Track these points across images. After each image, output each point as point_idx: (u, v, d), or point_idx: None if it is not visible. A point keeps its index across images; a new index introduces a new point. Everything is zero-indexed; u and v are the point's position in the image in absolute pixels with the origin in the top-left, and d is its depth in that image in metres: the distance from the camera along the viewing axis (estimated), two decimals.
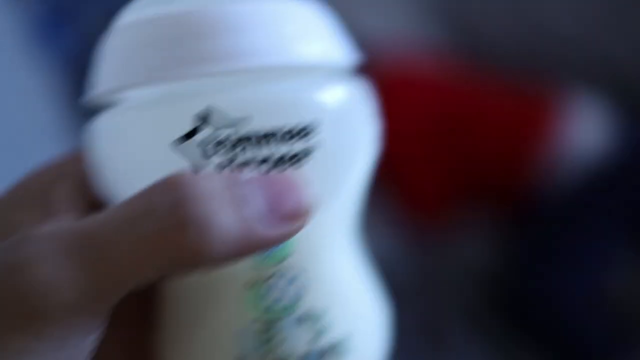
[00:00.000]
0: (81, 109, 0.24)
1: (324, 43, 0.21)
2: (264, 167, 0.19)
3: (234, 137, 0.19)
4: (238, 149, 0.19)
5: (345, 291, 0.22)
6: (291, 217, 0.19)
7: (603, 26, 1.01)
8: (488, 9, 1.00)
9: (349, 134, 0.21)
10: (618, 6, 0.99)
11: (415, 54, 0.91)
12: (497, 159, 0.86)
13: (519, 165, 0.85)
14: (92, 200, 0.21)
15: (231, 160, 0.19)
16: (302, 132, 0.20)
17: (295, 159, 0.20)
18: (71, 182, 0.21)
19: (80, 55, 0.69)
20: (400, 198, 0.85)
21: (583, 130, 0.85)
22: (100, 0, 0.65)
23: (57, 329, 0.17)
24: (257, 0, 0.20)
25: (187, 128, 0.19)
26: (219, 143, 0.19)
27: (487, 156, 0.86)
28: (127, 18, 0.21)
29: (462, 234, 0.86)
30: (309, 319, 0.21)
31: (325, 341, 0.21)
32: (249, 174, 0.19)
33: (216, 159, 0.19)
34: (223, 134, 0.19)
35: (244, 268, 0.20)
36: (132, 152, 0.20)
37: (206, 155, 0.19)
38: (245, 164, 0.19)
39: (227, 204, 0.18)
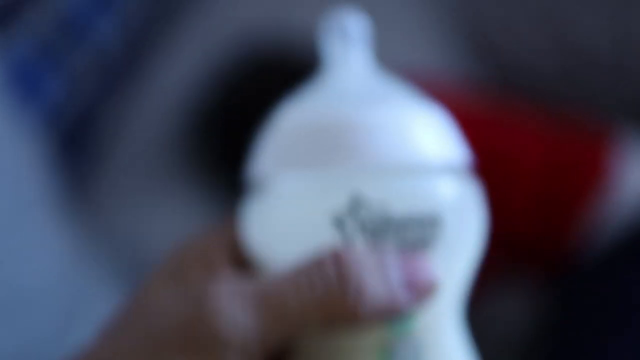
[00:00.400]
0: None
1: (447, 144, 0.26)
2: (400, 247, 0.24)
3: (376, 220, 0.24)
4: (379, 230, 0.24)
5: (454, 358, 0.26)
6: (423, 289, 0.24)
7: None
8: (518, 32, 0.93)
9: (465, 225, 0.26)
10: None
11: (444, 86, 0.82)
12: (538, 207, 0.75)
13: (565, 216, 0.74)
14: (241, 260, 0.26)
15: (374, 239, 0.24)
16: (430, 221, 0.24)
17: (424, 242, 0.24)
18: (225, 244, 0.26)
19: (65, 103, 0.64)
20: None
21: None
22: (85, 43, 0.65)
23: None
24: (391, 106, 0.25)
25: (340, 210, 0.24)
26: (364, 223, 0.24)
27: (525, 204, 0.75)
28: (290, 114, 0.26)
29: (493, 295, 0.76)
30: None
31: None
32: (390, 252, 0.24)
33: (362, 237, 0.24)
34: (368, 216, 0.24)
35: (378, 334, 0.24)
36: (290, 224, 0.25)
37: (354, 233, 0.24)
38: (385, 242, 0.24)
39: (377, 276, 0.23)
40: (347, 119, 0.24)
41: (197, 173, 0.72)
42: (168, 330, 0.23)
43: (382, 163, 0.24)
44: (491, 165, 0.71)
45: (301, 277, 0.23)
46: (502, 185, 0.73)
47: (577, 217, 0.72)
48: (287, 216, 0.25)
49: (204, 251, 0.26)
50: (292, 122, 0.26)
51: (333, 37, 0.27)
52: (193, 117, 0.73)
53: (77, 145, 0.66)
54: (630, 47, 0.90)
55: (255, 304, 0.22)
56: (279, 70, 0.71)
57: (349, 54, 0.27)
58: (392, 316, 0.23)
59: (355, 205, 0.24)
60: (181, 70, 0.74)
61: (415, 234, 0.24)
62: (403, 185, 0.24)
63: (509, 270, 0.76)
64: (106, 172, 0.69)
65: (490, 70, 0.94)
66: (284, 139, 0.25)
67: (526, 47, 0.94)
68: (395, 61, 0.79)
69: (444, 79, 0.84)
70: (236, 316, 0.22)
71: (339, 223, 0.24)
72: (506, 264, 0.74)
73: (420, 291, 0.23)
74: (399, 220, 0.24)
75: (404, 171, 0.24)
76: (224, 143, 0.73)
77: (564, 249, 0.73)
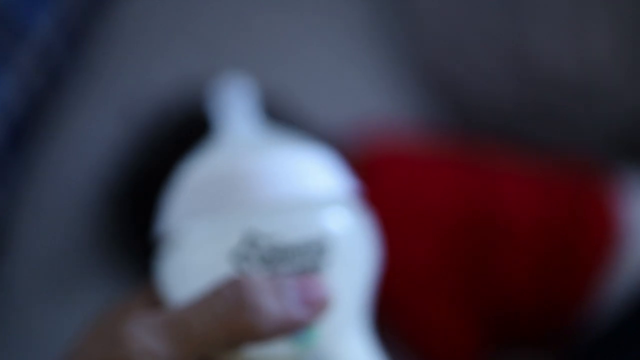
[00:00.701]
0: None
1: (330, 179, 0.29)
2: (296, 272, 0.27)
3: (271, 252, 0.27)
4: (275, 260, 0.27)
5: None
6: (317, 305, 0.27)
7: (621, 67, 0.87)
8: (478, 64, 0.88)
9: (354, 247, 0.29)
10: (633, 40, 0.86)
11: (410, 135, 0.76)
12: (539, 275, 0.65)
13: (573, 282, 0.65)
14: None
15: (270, 265, 0.27)
16: (318, 247, 0.28)
17: (316, 266, 0.28)
18: (143, 297, 0.31)
19: (15, 107, 0.63)
20: (414, 345, 0.66)
21: None
22: (33, 46, 0.64)
23: None
24: (275, 152, 0.29)
25: (238, 247, 0.27)
26: (261, 256, 0.27)
27: (525, 271, 0.65)
28: (188, 170, 0.30)
29: None
30: None
31: None
32: (284, 275, 0.27)
33: (260, 268, 0.27)
34: (263, 249, 0.27)
35: (283, 349, 0.27)
36: (197, 268, 0.28)
37: (253, 266, 0.27)
38: (279, 268, 0.27)
39: (271, 295, 0.26)
40: (237, 168, 0.28)
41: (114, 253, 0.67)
42: None
43: (270, 201, 0.28)
44: (481, 224, 0.66)
45: (203, 302, 0.26)
46: (496, 250, 0.65)
47: (587, 281, 0.64)
48: (193, 260, 0.28)
49: (125, 306, 0.30)
50: (190, 177, 0.29)
51: (223, 100, 0.32)
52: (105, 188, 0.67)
53: None
54: (599, 68, 0.86)
55: (163, 331, 0.25)
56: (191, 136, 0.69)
57: (238, 112, 0.32)
58: (292, 330, 0.27)
59: (251, 241, 0.27)
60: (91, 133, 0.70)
61: (307, 259, 0.28)
62: (291, 218, 0.28)
63: (513, 347, 0.68)
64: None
65: (453, 109, 0.88)
66: (184, 193, 0.29)
67: (487, 80, 0.87)
68: (358, 110, 0.78)
69: (409, 126, 0.80)
70: (148, 343, 0.25)
71: (238, 259, 0.27)
72: (508, 342, 0.67)
73: (315, 306, 0.27)
74: (291, 250, 0.27)
75: (291, 206, 0.28)
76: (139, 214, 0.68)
77: (572, 320, 0.65)
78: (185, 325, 0.26)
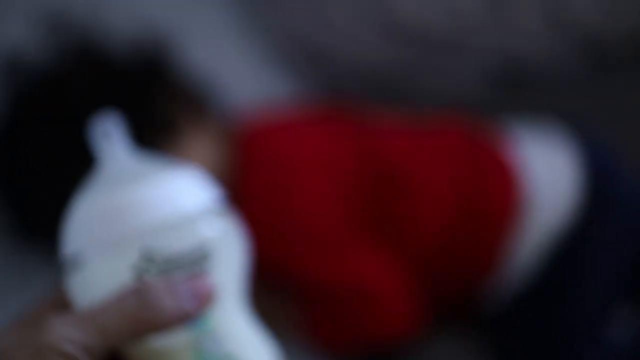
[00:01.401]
0: None
1: (202, 196, 0.35)
2: (184, 272, 0.33)
3: (163, 262, 0.33)
4: (167, 268, 0.33)
5: (248, 340, 0.35)
6: (205, 297, 0.33)
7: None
8: (349, 32, 0.89)
9: (230, 248, 0.35)
10: None
11: (292, 107, 0.78)
12: (447, 228, 0.68)
13: (480, 238, 0.68)
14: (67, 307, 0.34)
15: (164, 273, 0.33)
16: (201, 248, 0.33)
17: (202, 267, 0.33)
18: (56, 301, 0.35)
19: None
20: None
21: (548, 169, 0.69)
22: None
23: None
24: (154, 179, 0.34)
25: (136, 263, 0.32)
26: (156, 267, 0.33)
27: (430, 227, 0.68)
28: (82, 203, 0.34)
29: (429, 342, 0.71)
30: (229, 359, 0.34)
31: None
32: (176, 277, 0.33)
33: (155, 274, 0.32)
34: (156, 261, 0.32)
35: (186, 337, 0.33)
36: (104, 286, 0.32)
37: (150, 274, 0.32)
38: (172, 273, 0.33)
39: (166, 295, 0.32)
40: (125, 197, 0.33)
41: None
42: (19, 347, 0.30)
43: (156, 222, 0.32)
44: (377, 176, 0.68)
45: (111, 303, 0.31)
46: (400, 201, 0.68)
47: (496, 238, 0.68)
48: (100, 279, 0.32)
49: (42, 305, 0.34)
50: (87, 206, 0.33)
51: (100, 138, 0.35)
52: None
53: None
54: (465, 22, 0.89)
55: (80, 324, 0.30)
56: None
57: (114, 148, 0.35)
58: (187, 320, 0.32)
59: (145, 255, 0.32)
60: None
61: (192, 261, 0.33)
62: (175, 233, 0.33)
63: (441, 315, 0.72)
64: None
65: (326, 78, 0.90)
66: (83, 223, 0.33)
67: (356, 45, 0.91)
68: (245, 95, 0.78)
69: (285, 101, 0.82)
70: (68, 332, 0.30)
71: (138, 273, 0.32)
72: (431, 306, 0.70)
73: (203, 299, 0.32)
74: (179, 257, 0.32)
75: (174, 222, 0.33)
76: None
77: (485, 280, 0.69)
78: (99, 320, 0.30)
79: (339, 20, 0.89)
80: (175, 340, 0.33)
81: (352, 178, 0.68)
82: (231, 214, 0.36)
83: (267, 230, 0.64)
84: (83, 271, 0.33)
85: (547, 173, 0.69)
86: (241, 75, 0.82)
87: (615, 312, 0.69)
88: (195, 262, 0.33)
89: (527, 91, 0.92)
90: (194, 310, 0.32)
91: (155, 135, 0.64)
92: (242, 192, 0.65)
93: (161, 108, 0.66)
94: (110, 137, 0.35)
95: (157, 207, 0.33)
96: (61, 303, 0.34)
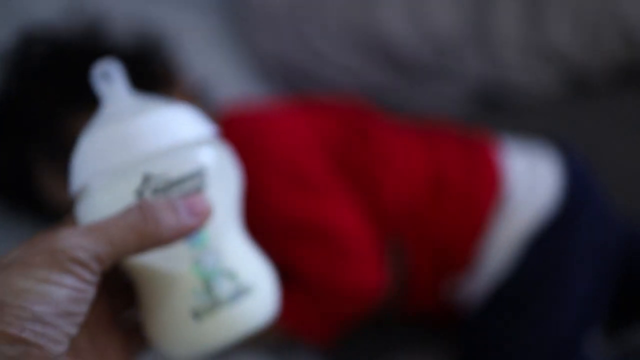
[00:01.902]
0: None
1: (196, 126, 0.37)
2: (183, 192, 0.35)
3: (163, 185, 0.35)
4: (167, 190, 0.35)
5: (246, 257, 0.38)
6: (202, 213, 0.34)
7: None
8: (325, 52, 0.94)
9: (223, 171, 0.37)
10: None
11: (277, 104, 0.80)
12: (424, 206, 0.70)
13: (463, 222, 0.69)
14: None
15: (165, 194, 0.35)
16: (198, 174, 0.35)
17: (198, 188, 0.35)
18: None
19: None
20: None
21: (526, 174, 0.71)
22: None
23: (72, 271, 0.31)
24: (151, 112, 0.36)
25: (138, 186, 0.34)
26: (156, 189, 0.35)
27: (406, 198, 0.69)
28: (86, 138, 0.36)
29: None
30: (228, 274, 0.36)
31: (240, 285, 0.36)
32: (176, 196, 0.35)
33: (157, 196, 0.34)
34: (156, 184, 0.35)
35: (188, 252, 0.36)
36: (111, 209, 0.34)
37: (151, 193, 0.34)
38: (173, 194, 0.35)
39: (168, 210, 0.33)
40: (127, 129, 0.35)
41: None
42: (34, 254, 0.31)
43: (157, 149, 0.34)
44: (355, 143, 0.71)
45: (118, 217, 0.33)
46: (375, 172, 0.70)
47: (475, 226, 0.69)
48: (107, 202, 0.34)
49: (54, 227, 0.35)
50: (92, 139, 0.35)
51: (101, 80, 0.37)
52: None
53: None
54: (445, 42, 0.94)
55: (90, 233, 0.32)
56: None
57: (114, 88, 0.37)
58: (187, 234, 0.34)
59: (147, 180, 0.34)
60: None
61: (190, 185, 0.35)
62: (175, 159, 0.35)
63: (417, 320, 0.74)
64: None
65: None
66: (90, 153, 0.35)
67: (337, 68, 0.95)
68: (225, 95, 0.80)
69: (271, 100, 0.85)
70: (79, 240, 0.31)
71: (140, 196, 0.34)
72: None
73: (201, 215, 0.34)
74: (179, 181, 0.35)
75: (172, 149, 0.35)
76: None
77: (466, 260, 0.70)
78: (106, 230, 0.32)
79: (323, 46, 0.94)
80: (178, 257, 0.36)
81: (328, 131, 0.70)
82: (223, 144, 0.38)
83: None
84: (90, 199, 0.35)
85: (526, 175, 0.72)
86: (222, 84, 0.85)
87: (592, 330, 0.69)
88: (193, 185, 0.35)
89: (509, 112, 0.96)
90: (193, 223, 0.34)
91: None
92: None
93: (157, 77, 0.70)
94: (111, 79, 0.37)
95: (156, 136, 0.35)
96: (73, 224, 0.36)
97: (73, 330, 0.31)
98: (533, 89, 0.97)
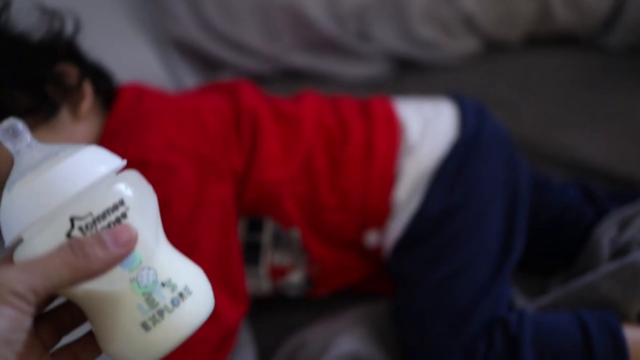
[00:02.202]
0: None
1: (104, 163, 0.40)
2: (109, 222, 0.38)
3: (90, 220, 0.38)
4: (95, 223, 0.38)
5: (175, 263, 0.41)
6: (126, 241, 0.38)
7: None
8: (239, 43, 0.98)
9: (140, 198, 0.40)
10: None
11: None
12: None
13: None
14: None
15: (92, 229, 0.38)
16: (119, 205, 0.39)
17: (121, 215, 0.39)
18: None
19: None
20: None
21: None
22: None
23: (11, 303, 0.34)
24: (62, 161, 0.38)
25: (68, 226, 0.37)
26: (85, 227, 0.38)
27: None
28: (8, 193, 0.38)
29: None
30: (166, 283, 0.39)
31: (179, 290, 0.40)
32: (102, 230, 0.38)
33: (85, 231, 0.38)
34: (85, 221, 0.38)
35: (124, 274, 0.38)
36: (41, 251, 0.37)
37: (80, 232, 0.38)
38: (99, 227, 0.38)
39: (96, 245, 0.37)
40: (45, 180, 0.37)
41: None
42: None
43: (75, 192, 0.37)
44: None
45: (53, 253, 0.36)
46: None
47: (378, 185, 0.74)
48: (42, 248, 0.37)
49: None
50: (14, 198, 0.38)
51: (7, 136, 0.40)
52: None
53: None
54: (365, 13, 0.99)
55: (28, 269, 0.35)
56: None
57: (22, 143, 0.40)
58: (117, 262, 0.37)
59: (74, 221, 0.37)
60: None
61: (114, 215, 0.38)
62: (93, 196, 0.38)
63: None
64: None
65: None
66: (14, 210, 0.38)
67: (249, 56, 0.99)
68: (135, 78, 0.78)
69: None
70: (17, 276, 0.34)
71: (70, 236, 0.37)
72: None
73: (126, 243, 0.37)
74: (102, 215, 0.38)
75: (90, 189, 0.38)
76: None
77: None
78: (42, 265, 0.35)
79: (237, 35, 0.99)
80: (118, 279, 0.38)
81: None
82: (133, 171, 0.41)
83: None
84: (26, 246, 0.38)
85: (420, 119, 0.77)
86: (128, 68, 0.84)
87: (512, 272, 0.71)
88: (117, 215, 0.38)
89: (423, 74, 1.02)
90: (121, 253, 0.37)
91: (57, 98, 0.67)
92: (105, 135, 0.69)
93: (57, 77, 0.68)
94: (17, 133, 0.40)
95: (73, 181, 0.38)
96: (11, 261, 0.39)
97: (12, 357, 0.34)
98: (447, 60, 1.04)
